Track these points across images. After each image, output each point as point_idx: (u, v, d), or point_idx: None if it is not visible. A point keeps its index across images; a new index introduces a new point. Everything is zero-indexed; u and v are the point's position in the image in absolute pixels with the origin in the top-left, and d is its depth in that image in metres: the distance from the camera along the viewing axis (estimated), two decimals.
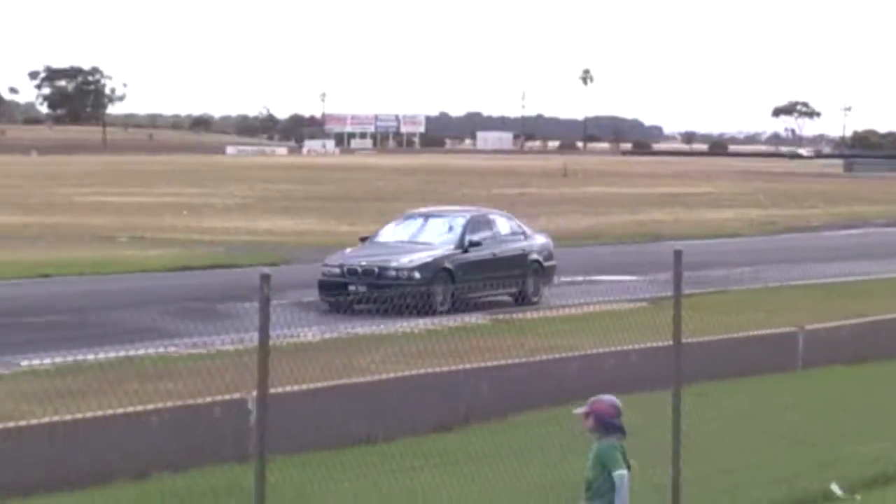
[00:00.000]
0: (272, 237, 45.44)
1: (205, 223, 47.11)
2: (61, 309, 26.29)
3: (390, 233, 27.59)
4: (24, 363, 18.93)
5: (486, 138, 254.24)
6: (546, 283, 27.46)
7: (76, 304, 27.18)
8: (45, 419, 13.87)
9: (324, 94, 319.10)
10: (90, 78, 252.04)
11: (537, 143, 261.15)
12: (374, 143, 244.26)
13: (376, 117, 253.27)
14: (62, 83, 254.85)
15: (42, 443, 13.47)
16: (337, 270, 25.63)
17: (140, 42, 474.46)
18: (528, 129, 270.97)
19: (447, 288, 24.93)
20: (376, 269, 25.38)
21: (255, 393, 9.62)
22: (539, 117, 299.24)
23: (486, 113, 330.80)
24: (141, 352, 18.72)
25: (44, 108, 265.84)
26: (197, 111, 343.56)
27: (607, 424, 9.11)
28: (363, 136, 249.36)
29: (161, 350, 19.40)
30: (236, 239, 39.76)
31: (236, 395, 14.69)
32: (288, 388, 14.73)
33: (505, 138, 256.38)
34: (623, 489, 8.93)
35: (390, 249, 26.38)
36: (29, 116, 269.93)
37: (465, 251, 26.10)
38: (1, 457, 13.10)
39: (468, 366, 17.47)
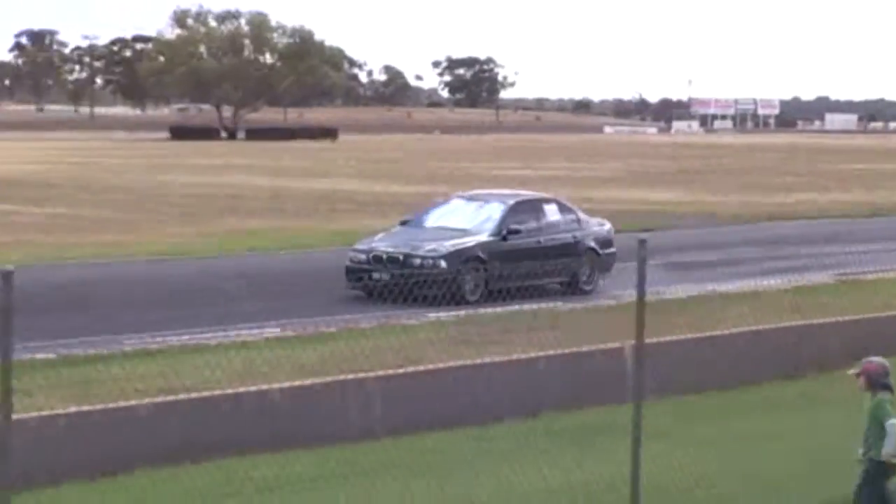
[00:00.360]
0: (647, 206, 47.35)
1: (584, 193, 48.67)
2: None
3: (432, 217, 26.01)
4: (432, 315, 20.85)
5: (833, 120, 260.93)
6: (603, 271, 25.51)
7: None
8: (450, 363, 15.74)
9: (690, 80, 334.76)
10: (485, 67, 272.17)
11: (879, 125, 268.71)
12: (734, 124, 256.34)
13: (736, 101, 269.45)
14: (461, 71, 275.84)
15: (447, 383, 15.13)
16: (363, 257, 24.22)
17: (529, 34, 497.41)
18: (872, 112, 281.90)
19: (479, 276, 23.54)
20: (401, 257, 23.84)
21: (632, 342, 10.74)
22: (881, 101, 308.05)
23: (833, 97, 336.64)
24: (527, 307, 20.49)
25: (445, 94, 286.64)
26: (579, 95, 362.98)
27: (876, 382, 10.40)
28: (724, 117, 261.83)
29: (544, 305, 21.06)
30: (615, 208, 40.75)
31: (615, 345, 15.77)
32: (661, 339, 15.81)
33: (850, 120, 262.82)
34: (892, 435, 10.19)
35: (422, 235, 24.76)
36: (432, 101, 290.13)
37: (504, 239, 24.34)
38: (415, 392, 14.78)
39: (817, 321, 18.91)
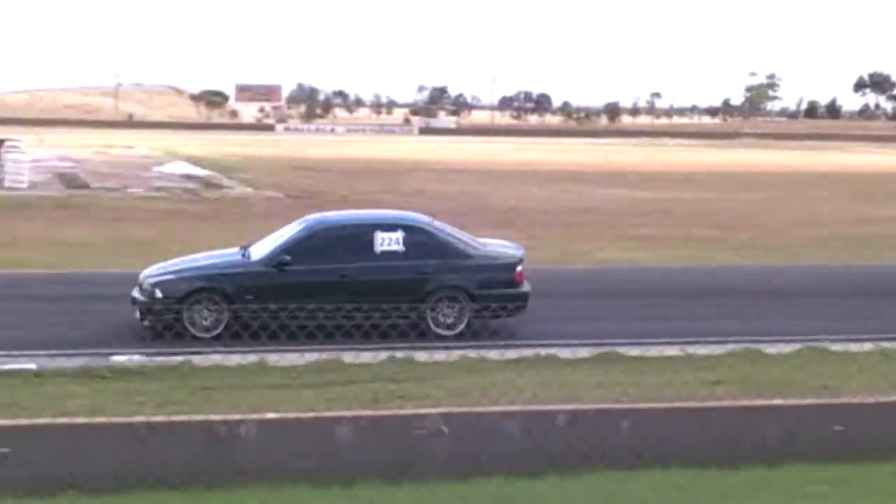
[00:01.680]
0: None
1: None
2: None
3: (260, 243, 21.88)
4: None
5: None
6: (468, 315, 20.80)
7: None
8: None
9: None
10: None
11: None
12: None
13: None
14: None
15: None
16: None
17: None
18: None
19: (213, 310, 19.86)
20: (137, 286, 20.77)
21: None
22: None
23: None
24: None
25: None
26: None
27: None
28: None
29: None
30: None
31: None
32: None
33: None
34: None
35: (181, 263, 21.51)
36: None
37: (276, 267, 20.35)
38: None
39: None
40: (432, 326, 20.50)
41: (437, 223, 22.14)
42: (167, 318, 19.35)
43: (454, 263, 21.03)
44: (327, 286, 20.17)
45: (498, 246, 22.37)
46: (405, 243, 20.86)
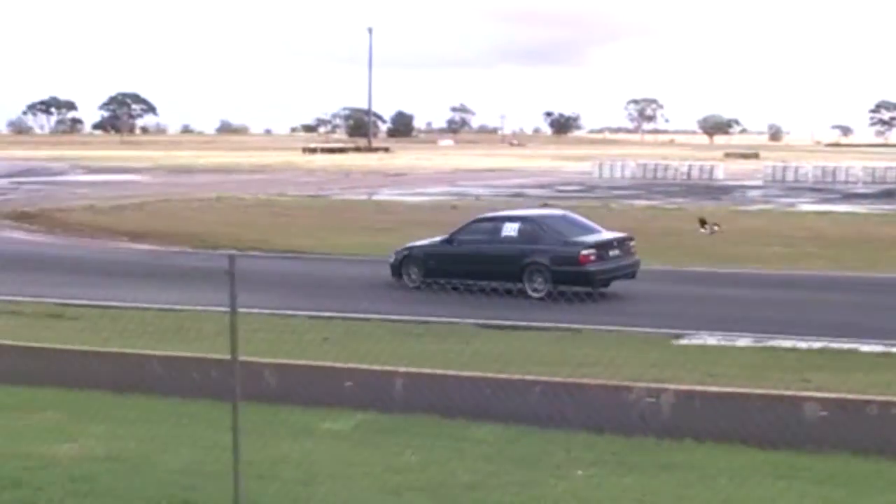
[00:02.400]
0: None
1: None
2: None
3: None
4: None
5: None
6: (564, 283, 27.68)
7: None
8: None
9: None
10: None
11: None
12: None
13: None
14: None
15: None
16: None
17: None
18: None
19: (417, 270, 29.85)
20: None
21: None
22: None
23: None
24: None
25: None
26: None
27: None
28: None
29: None
30: None
31: None
32: None
33: None
34: None
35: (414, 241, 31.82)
36: None
37: (447, 243, 30.04)
38: None
39: None
40: (528, 292, 27.69)
41: (553, 216, 31.36)
42: (395, 273, 30.15)
43: (543, 247, 28.46)
44: (470, 256, 29.17)
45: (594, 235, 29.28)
46: (519, 231, 29.21)
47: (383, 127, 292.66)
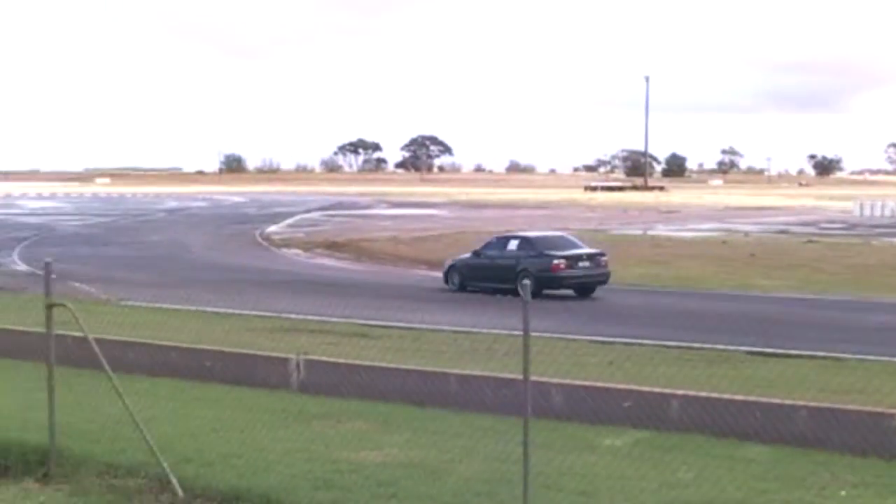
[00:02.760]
0: None
1: None
2: None
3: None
4: None
5: None
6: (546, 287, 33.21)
7: None
8: None
9: None
10: None
11: None
12: None
13: None
14: None
15: None
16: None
17: None
18: None
19: (456, 277, 36.12)
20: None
21: None
22: None
23: None
24: None
25: None
26: None
27: None
28: None
29: None
30: None
31: None
32: None
33: None
34: None
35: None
36: None
37: (475, 255, 36.47)
38: None
39: None
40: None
41: (546, 237, 38.10)
42: (445, 280, 36.65)
43: (530, 258, 34.68)
44: (487, 265, 35.53)
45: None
46: (518, 246, 35.75)
47: (658, 167, 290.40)
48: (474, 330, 23.47)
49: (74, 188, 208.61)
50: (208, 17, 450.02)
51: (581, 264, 34.51)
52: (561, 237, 38.21)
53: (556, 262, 34.13)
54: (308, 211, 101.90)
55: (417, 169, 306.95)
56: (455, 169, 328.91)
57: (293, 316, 25.85)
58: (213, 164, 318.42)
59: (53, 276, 12.52)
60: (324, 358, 17.60)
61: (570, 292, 33.87)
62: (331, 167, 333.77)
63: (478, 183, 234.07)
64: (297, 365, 17.20)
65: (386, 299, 30.96)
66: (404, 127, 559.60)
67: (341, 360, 17.33)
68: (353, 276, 40.48)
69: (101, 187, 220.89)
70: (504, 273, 33.67)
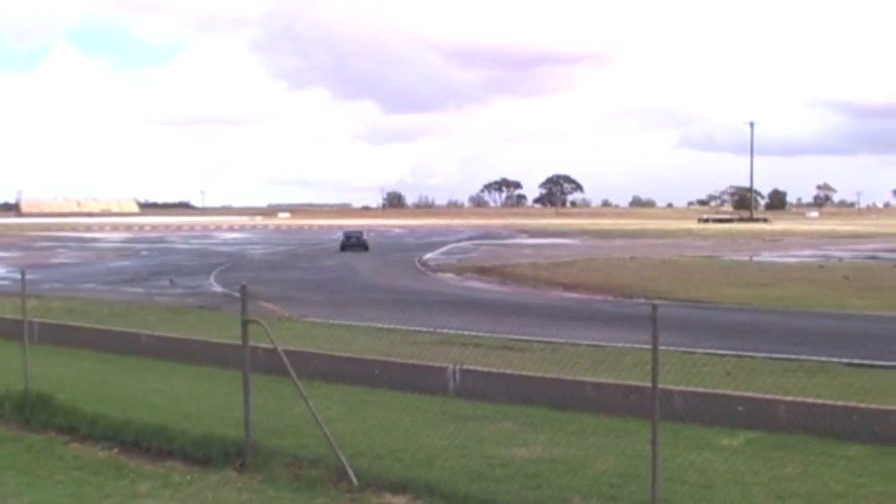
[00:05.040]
0: None
1: None
2: None
3: None
4: None
5: None
6: None
7: None
8: None
9: None
10: None
11: None
12: None
13: None
14: None
15: None
16: None
17: None
18: None
19: None
20: None
21: None
22: None
23: None
24: None
25: None
26: None
27: None
28: None
29: None
30: None
31: None
32: None
33: None
34: None
35: None
36: None
37: None
38: None
39: None
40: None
41: None
42: None
43: None
44: None
45: None
46: None
47: (762, 202, 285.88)
48: (607, 344, 23.28)
49: (260, 221, 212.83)
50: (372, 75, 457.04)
51: None
52: None
53: None
54: (459, 241, 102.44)
55: (553, 204, 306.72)
56: (585, 204, 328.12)
57: (448, 331, 25.91)
58: (376, 201, 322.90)
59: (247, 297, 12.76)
60: (476, 367, 17.63)
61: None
62: (478, 203, 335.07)
63: (605, 215, 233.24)
64: (454, 373, 17.25)
65: (528, 317, 30.85)
66: (542, 168, 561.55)
67: (492, 370, 17.35)
68: (499, 297, 40.45)
69: (283, 221, 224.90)
70: None
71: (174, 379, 18.89)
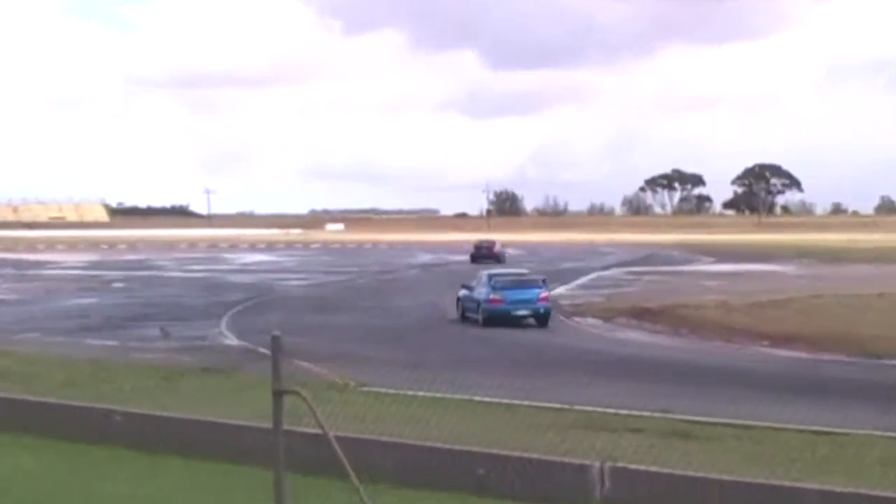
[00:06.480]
0: None
1: None
2: None
3: None
4: None
5: None
6: None
7: None
8: None
9: None
10: None
11: None
12: None
13: None
14: None
15: None
16: None
17: None
18: None
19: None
20: None
21: None
22: None
23: None
24: None
25: None
26: None
27: None
28: None
29: None
30: None
31: None
32: None
33: None
34: None
35: None
36: None
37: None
38: None
39: None
40: None
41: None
42: None
43: None
44: None
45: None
46: None
47: None
48: (839, 429, 23.15)
49: (298, 236, 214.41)
50: None
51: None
52: None
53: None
54: (607, 267, 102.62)
55: (753, 210, 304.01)
56: (806, 210, 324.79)
57: (589, 408, 25.97)
58: (478, 205, 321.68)
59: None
60: (635, 466, 17.66)
61: None
62: (636, 208, 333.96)
63: (836, 227, 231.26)
64: (601, 474, 17.31)
65: (715, 386, 30.84)
66: (736, 153, 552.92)
67: (661, 469, 17.36)
68: (669, 355, 40.45)
69: (333, 235, 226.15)
70: None
71: (163, 480, 19.07)
